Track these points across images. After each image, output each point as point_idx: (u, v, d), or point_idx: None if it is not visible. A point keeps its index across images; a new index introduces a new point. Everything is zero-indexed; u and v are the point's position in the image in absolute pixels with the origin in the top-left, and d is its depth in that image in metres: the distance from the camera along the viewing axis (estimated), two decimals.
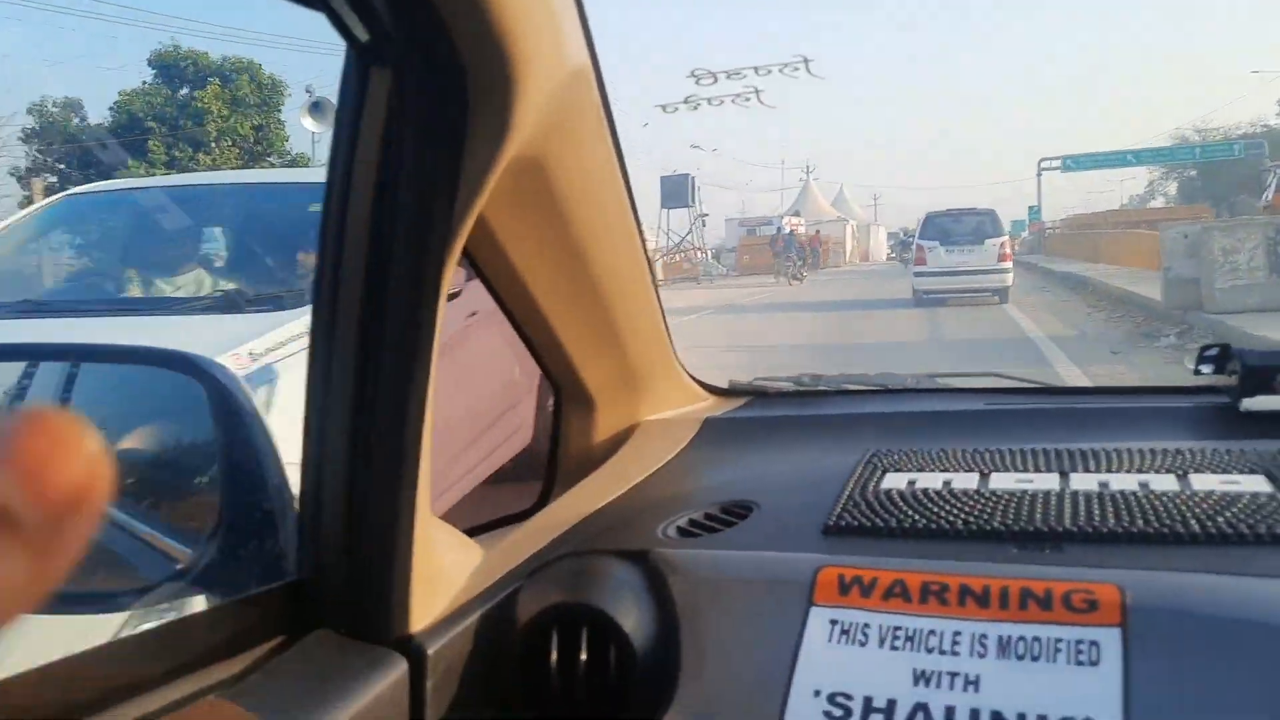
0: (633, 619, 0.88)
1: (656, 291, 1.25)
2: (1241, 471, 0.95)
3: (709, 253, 38.22)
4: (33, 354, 1.01)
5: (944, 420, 1.34)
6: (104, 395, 0.92)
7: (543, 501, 1.31)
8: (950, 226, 16.18)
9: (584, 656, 0.87)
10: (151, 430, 0.90)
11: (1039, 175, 35.92)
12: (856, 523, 0.94)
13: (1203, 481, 0.94)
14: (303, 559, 0.86)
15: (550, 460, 1.33)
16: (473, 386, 1.20)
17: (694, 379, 1.46)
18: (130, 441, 0.91)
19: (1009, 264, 15.46)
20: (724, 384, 1.51)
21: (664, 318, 1.30)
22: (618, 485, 1.18)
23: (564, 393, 1.29)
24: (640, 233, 1.15)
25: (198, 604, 0.89)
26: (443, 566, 0.92)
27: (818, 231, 37.83)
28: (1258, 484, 0.92)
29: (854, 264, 44.07)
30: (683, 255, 34.65)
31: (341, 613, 0.84)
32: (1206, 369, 1.29)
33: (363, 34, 0.72)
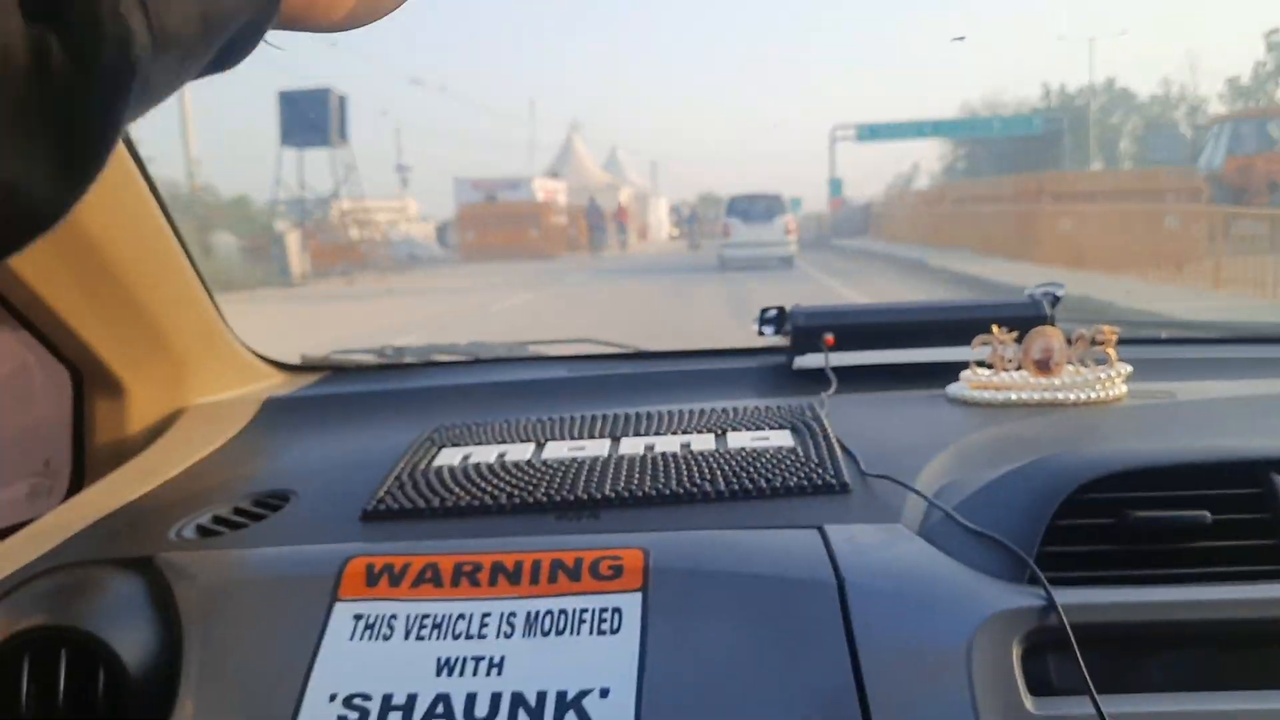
0: (128, 638, 0.75)
1: (190, 257, 1.10)
2: (772, 427, 1.00)
3: (407, 227, 25.70)
4: None
5: (530, 389, 1.31)
6: None
7: (71, 495, 1.13)
8: (748, 207, 19.88)
9: (62, 687, 0.73)
10: None
11: (833, 145, 31.70)
12: (398, 505, 0.87)
13: (737, 439, 0.97)
14: None
15: (75, 456, 1.14)
16: None
17: (257, 354, 1.32)
18: None
19: (793, 237, 19.76)
20: (296, 359, 1.39)
21: (205, 285, 1.15)
22: (146, 481, 1.02)
23: (84, 378, 1.11)
24: (155, 191, 1.00)
25: None
26: None
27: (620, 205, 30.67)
28: (783, 438, 0.96)
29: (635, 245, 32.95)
30: (319, 233, 20.09)
31: None
32: (768, 330, 1.36)
33: None
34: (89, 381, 1.11)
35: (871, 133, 31.08)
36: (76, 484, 1.14)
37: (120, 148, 0.92)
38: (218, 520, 0.90)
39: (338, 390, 1.30)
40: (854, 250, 23.27)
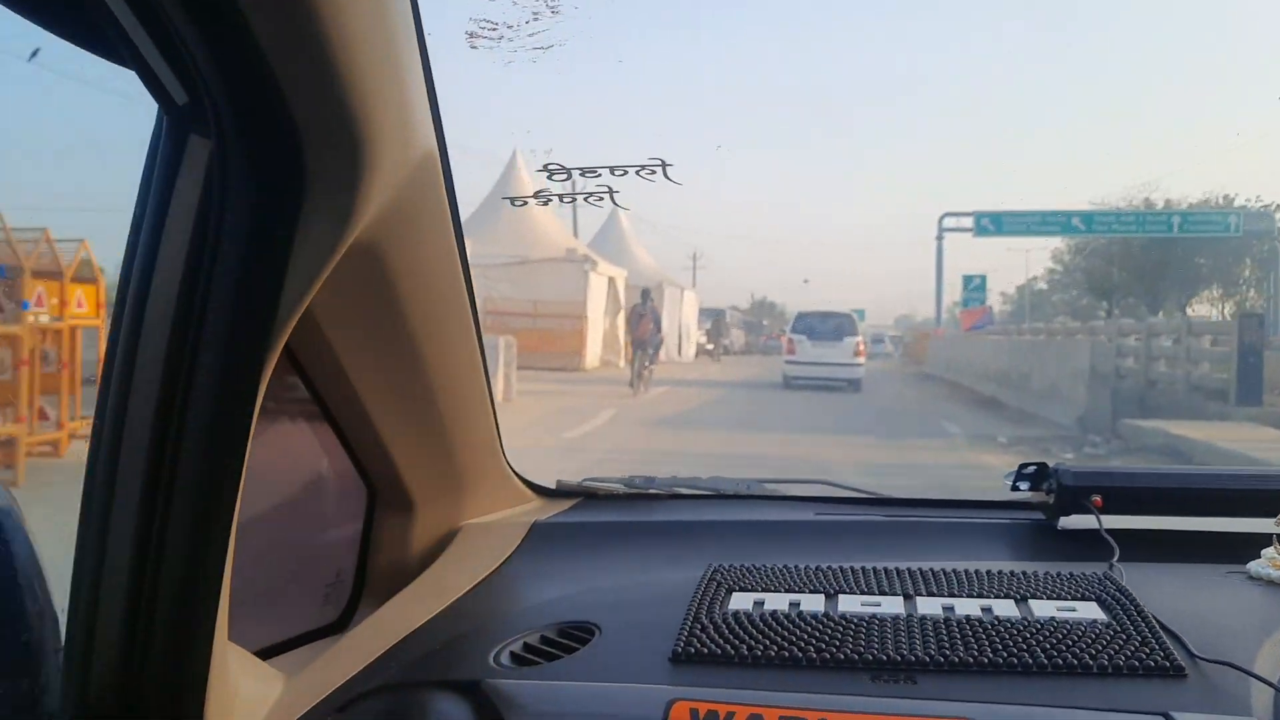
0: None
1: (489, 383, 1.17)
2: (1075, 598, 0.97)
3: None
4: None
5: (778, 530, 1.31)
6: None
7: (348, 615, 1.18)
8: (816, 324, 18.70)
9: None
10: None
11: (940, 237, 23.71)
12: (706, 650, 0.88)
13: (1041, 608, 0.94)
14: (67, 696, 0.71)
15: (359, 569, 1.20)
16: (263, 484, 1.08)
17: (520, 478, 1.38)
18: None
19: (862, 360, 18.33)
20: (551, 484, 1.44)
21: (495, 412, 1.21)
22: (438, 600, 1.07)
23: (379, 494, 1.18)
24: (476, 322, 1.08)
25: None
26: (238, 699, 0.79)
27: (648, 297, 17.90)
28: (1092, 610, 0.93)
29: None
30: None
31: None
32: (1024, 485, 1.33)
33: (180, 95, 0.62)
34: (381, 498, 1.18)
35: (995, 224, 21.73)
36: (355, 597, 1.20)
37: (456, 258, 0.99)
38: (529, 649, 0.93)
39: (594, 518, 1.34)
40: None
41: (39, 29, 0.59)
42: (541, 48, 0.78)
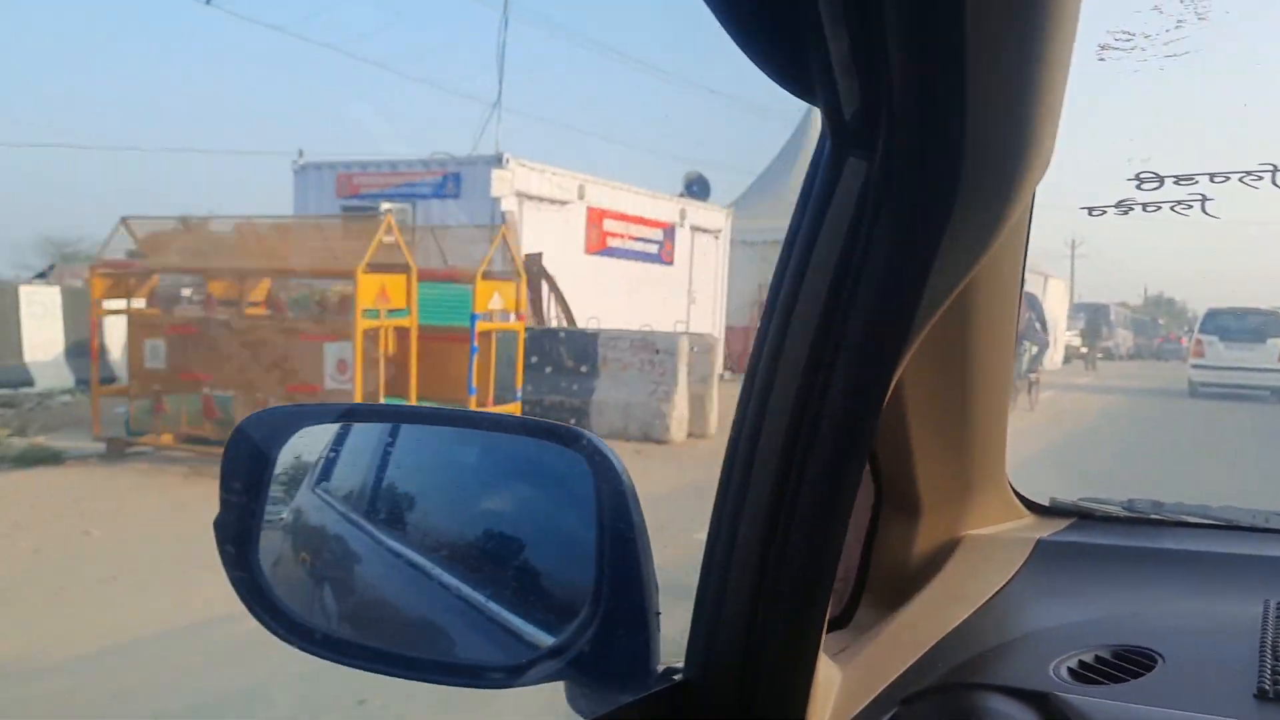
0: None
1: (1010, 390, 1.16)
2: None
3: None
4: (433, 418, 1.02)
5: None
6: (500, 464, 0.91)
7: (850, 609, 1.23)
8: (1231, 324, 16.41)
9: None
10: (532, 505, 0.88)
11: None
12: None
13: None
14: (692, 657, 0.81)
15: (861, 566, 1.24)
16: None
17: (1015, 492, 1.35)
18: (508, 510, 0.89)
19: None
20: (1043, 500, 1.40)
21: (1006, 420, 1.20)
22: (959, 607, 1.08)
23: (885, 497, 1.21)
24: (1016, 322, 1.07)
25: (565, 690, 0.86)
26: (815, 680, 0.85)
27: None
28: None
29: None
30: None
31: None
32: None
33: (851, 109, 0.66)
34: (888, 501, 1.21)
35: None
36: (856, 594, 1.24)
37: (1020, 264, 0.98)
38: (1085, 666, 0.91)
39: (1096, 540, 1.28)
40: None
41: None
42: (1174, 55, 0.76)
